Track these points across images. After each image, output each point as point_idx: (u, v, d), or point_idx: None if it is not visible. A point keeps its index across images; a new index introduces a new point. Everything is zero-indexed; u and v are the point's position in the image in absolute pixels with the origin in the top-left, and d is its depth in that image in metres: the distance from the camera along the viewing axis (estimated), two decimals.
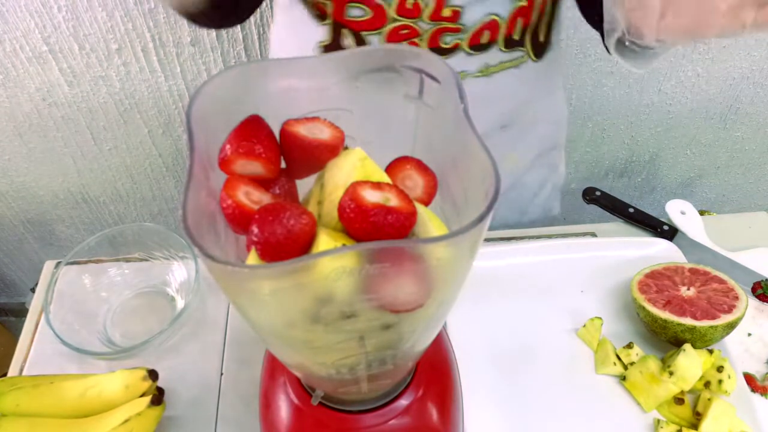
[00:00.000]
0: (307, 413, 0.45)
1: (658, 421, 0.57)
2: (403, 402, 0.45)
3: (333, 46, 0.62)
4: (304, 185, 0.36)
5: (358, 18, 0.59)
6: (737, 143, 1.27)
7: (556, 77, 0.78)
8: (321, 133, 0.33)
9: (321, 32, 0.62)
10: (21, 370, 0.63)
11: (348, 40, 0.61)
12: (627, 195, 1.39)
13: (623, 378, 0.60)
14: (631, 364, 0.61)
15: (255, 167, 0.31)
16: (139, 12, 0.89)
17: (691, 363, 0.57)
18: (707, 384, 0.58)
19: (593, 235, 0.77)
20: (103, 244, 0.67)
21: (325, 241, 0.28)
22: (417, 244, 0.29)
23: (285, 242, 0.28)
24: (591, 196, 0.82)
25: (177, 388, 0.61)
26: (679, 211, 0.79)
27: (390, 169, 0.35)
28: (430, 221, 0.32)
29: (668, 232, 0.76)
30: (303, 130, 0.33)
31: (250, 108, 0.32)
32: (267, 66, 0.35)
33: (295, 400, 0.45)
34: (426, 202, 0.35)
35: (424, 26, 0.58)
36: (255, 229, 0.27)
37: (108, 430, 0.52)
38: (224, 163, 0.31)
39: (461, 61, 0.62)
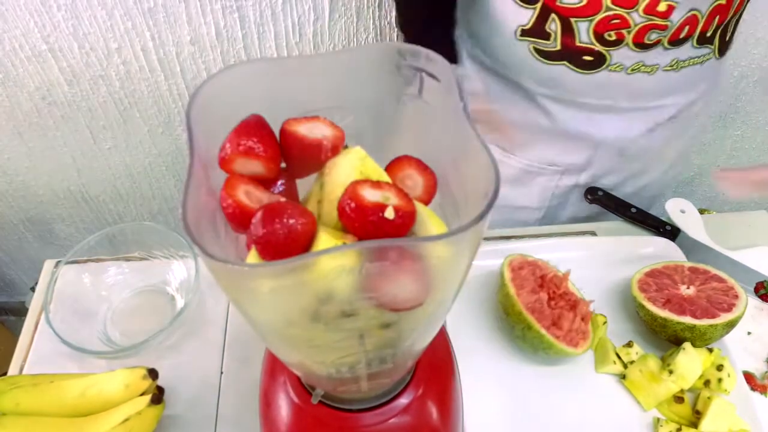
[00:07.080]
0: (307, 412, 0.45)
1: (658, 419, 0.57)
2: (403, 401, 0.45)
3: (535, 30, 0.62)
4: (304, 184, 0.36)
5: (571, 4, 0.59)
6: (737, 142, 1.27)
7: (724, 78, 0.78)
8: (321, 133, 0.33)
9: (524, 16, 0.62)
10: (21, 369, 0.63)
11: (554, 24, 0.61)
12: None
13: (623, 377, 0.60)
14: (631, 362, 0.61)
15: (255, 166, 0.31)
16: (138, 11, 0.89)
17: (690, 361, 0.57)
18: (707, 382, 0.58)
19: (593, 234, 0.77)
20: (102, 243, 0.67)
21: (325, 239, 0.28)
22: (416, 242, 0.29)
23: (285, 241, 0.28)
24: (594, 195, 0.81)
25: (177, 387, 0.61)
26: (678, 210, 0.79)
27: (390, 168, 0.35)
28: (429, 220, 0.32)
29: (670, 232, 0.76)
30: (303, 130, 0.33)
31: (250, 107, 0.32)
32: (267, 65, 0.35)
33: (295, 399, 0.45)
34: (426, 201, 0.35)
35: (637, 19, 0.58)
36: (255, 228, 0.27)
37: (108, 429, 0.52)
38: (224, 162, 0.31)
39: (656, 56, 0.62)
